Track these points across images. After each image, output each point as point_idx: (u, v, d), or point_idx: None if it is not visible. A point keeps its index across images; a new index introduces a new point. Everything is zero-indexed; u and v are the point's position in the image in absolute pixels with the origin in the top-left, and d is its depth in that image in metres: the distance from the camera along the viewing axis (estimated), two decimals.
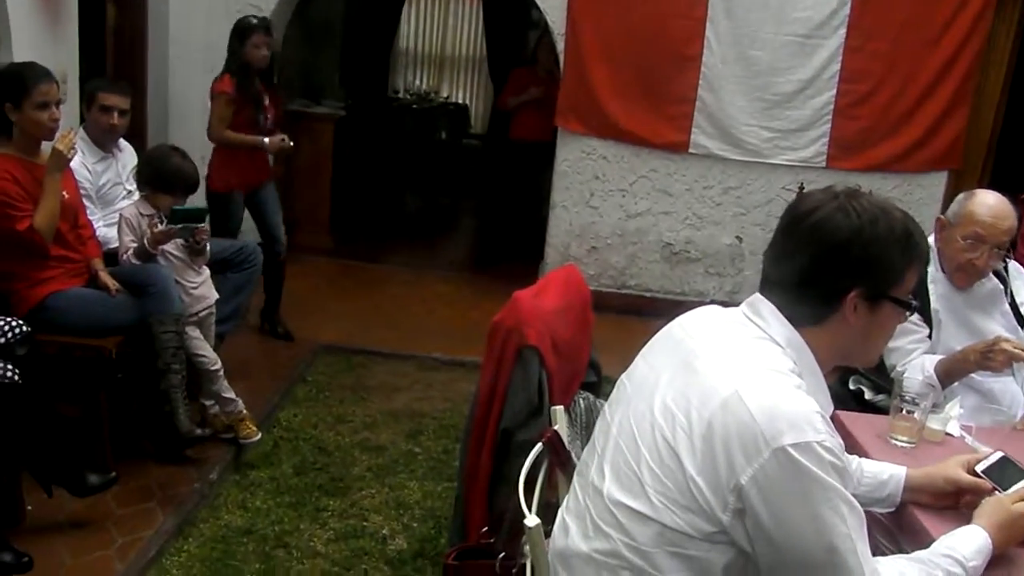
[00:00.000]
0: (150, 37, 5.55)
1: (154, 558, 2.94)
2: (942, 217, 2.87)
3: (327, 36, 8.01)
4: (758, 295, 1.60)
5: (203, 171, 4.17)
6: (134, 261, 3.48)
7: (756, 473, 1.37)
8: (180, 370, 3.38)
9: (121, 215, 3.57)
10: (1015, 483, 1.86)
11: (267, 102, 4.66)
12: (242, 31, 4.54)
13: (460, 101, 11.39)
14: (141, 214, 3.55)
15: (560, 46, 5.78)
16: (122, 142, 3.99)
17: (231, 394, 3.65)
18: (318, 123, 6.69)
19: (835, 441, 1.41)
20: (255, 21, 4.59)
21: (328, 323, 5.26)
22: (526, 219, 6.96)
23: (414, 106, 9.80)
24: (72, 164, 3.63)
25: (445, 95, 11.27)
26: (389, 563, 3.05)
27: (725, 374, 1.46)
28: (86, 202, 3.69)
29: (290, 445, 3.81)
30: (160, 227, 3.48)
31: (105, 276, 3.38)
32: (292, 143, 4.79)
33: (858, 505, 1.44)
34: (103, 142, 3.87)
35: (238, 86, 4.51)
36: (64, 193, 3.25)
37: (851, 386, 3.03)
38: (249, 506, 3.32)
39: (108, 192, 3.87)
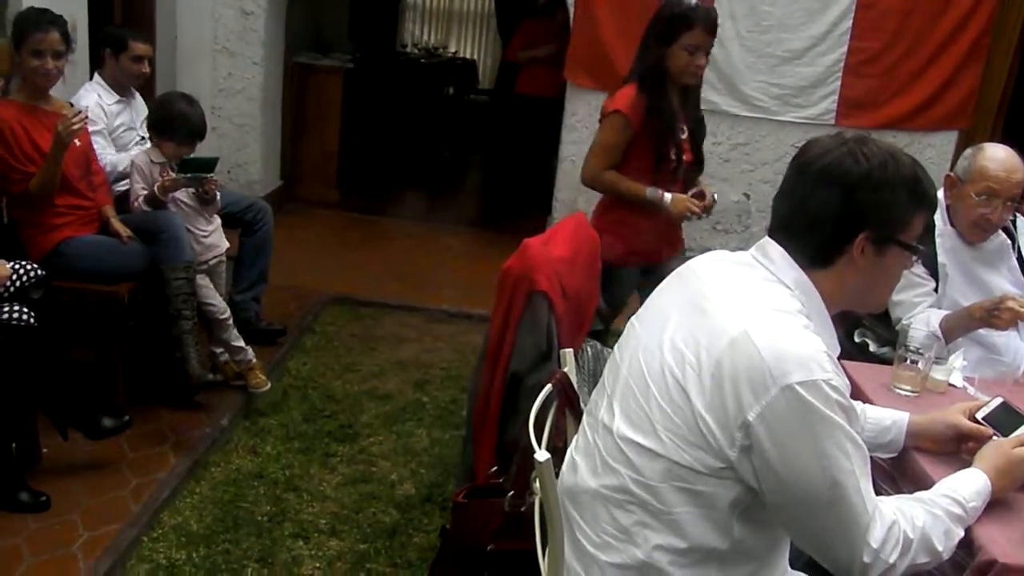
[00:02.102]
0: None
1: (167, 499, 3.00)
2: (952, 174, 2.86)
3: None
4: (767, 238, 1.63)
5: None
6: (144, 208, 3.50)
7: (764, 410, 1.40)
8: (191, 316, 3.42)
9: (133, 161, 3.58)
10: (1015, 429, 1.89)
11: (684, 135, 3.25)
12: (678, 21, 3.09)
13: (468, 56, 11.34)
14: (152, 161, 3.56)
15: (570, 0, 5.73)
16: (133, 90, 4.00)
17: (240, 342, 3.69)
18: (326, 75, 6.67)
19: (841, 380, 1.44)
20: (694, 6, 3.09)
21: (336, 275, 5.29)
22: (533, 174, 6.94)
23: (422, 61, 9.74)
24: (88, 103, 3.68)
25: (453, 50, 11.21)
26: (397, 507, 3.10)
27: (734, 314, 1.48)
28: (100, 140, 3.72)
29: (299, 393, 3.86)
30: (170, 175, 3.50)
31: (117, 223, 3.41)
32: (714, 199, 3.32)
33: (863, 444, 1.47)
34: (123, 87, 3.90)
35: (649, 108, 3.14)
36: (76, 141, 3.27)
37: (856, 339, 3.06)
38: (259, 451, 3.38)
39: (122, 136, 3.88)
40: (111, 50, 3.83)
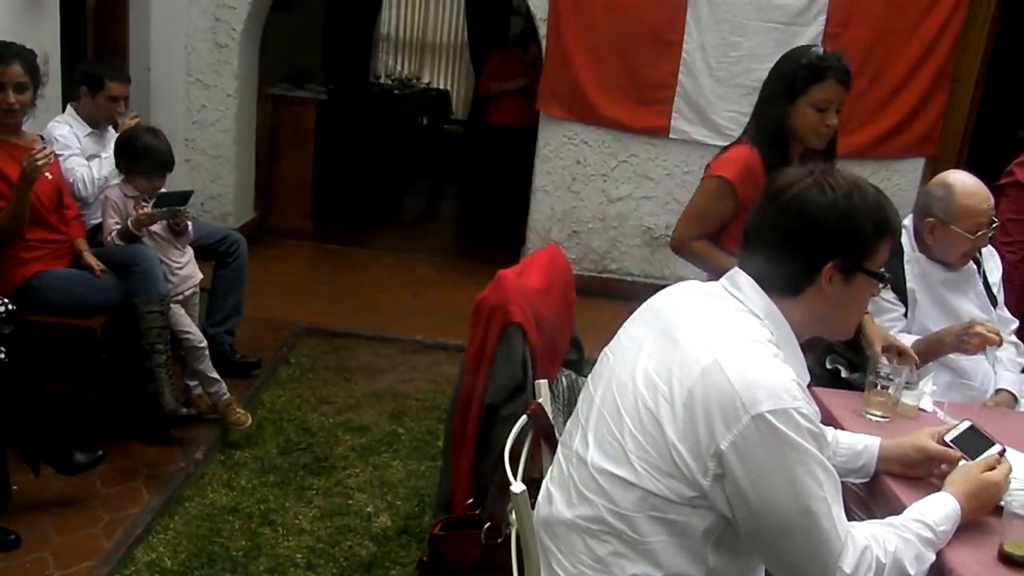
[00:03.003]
0: (131, 18, 5.52)
1: (141, 535, 2.96)
2: (932, 219, 2.81)
3: (309, 20, 8.00)
4: (737, 269, 1.66)
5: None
6: (118, 242, 3.49)
7: (735, 439, 1.42)
8: (165, 350, 3.40)
9: (106, 196, 3.58)
10: (982, 451, 1.92)
11: None
12: (805, 72, 2.66)
13: (441, 87, 11.40)
14: (126, 196, 3.55)
15: (542, 31, 5.80)
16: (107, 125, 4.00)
17: (215, 374, 3.66)
18: (300, 107, 6.69)
19: (811, 408, 1.47)
20: (824, 55, 2.70)
21: (310, 306, 5.28)
22: (507, 204, 6.98)
23: (395, 91, 9.78)
24: (62, 132, 3.67)
25: (426, 80, 11.27)
26: (374, 539, 3.08)
27: (705, 344, 1.51)
28: (77, 159, 3.72)
29: (274, 426, 3.84)
30: (145, 209, 3.49)
31: (89, 256, 3.40)
32: None
33: (834, 471, 1.50)
34: (96, 123, 3.89)
35: (765, 177, 2.57)
36: (48, 175, 3.26)
37: (828, 365, 3.08)
38: (234, 485, 3.35)
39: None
40: (87, 88, 3.83)
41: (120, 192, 3.57)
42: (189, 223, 3.65)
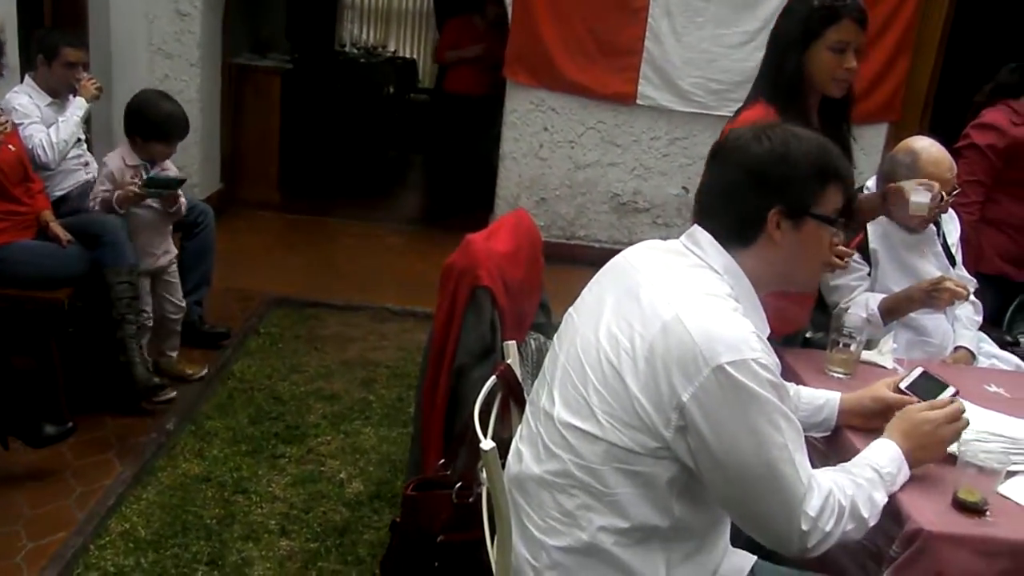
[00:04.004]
0: None
1: (113, 506, 2.97)
2: (894, 185, 2.75)
3: None
4: (696, 226, 1.69)
5: None
6: (97, 209, 3.47)
7: (696, 391, 1.46)
8: (135, 320, 3.39)
9: (105, 164, 3.54)
10: (936, 395, 1.99)
11: None
12: (819, 14, 2.45)
13: (408, 55, 11.30)
14: (125, 165, 3.53)
15: None
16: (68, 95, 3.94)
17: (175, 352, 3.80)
18: (265, 76, 6.61)
19: (771, 359, 1.50)
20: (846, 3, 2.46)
21: (279, 276, 5.26)
22: (473, 172, 6.95)
23: (361, 60, 9.69)
24: (21, 101, 3.63)
25: (392, 49, 11.17)
26: (347, 505, 3.11)
27: (665, 299, 1.54)
28: (37, 126, 3.67)
29: (245, 396, 3.84)
30: (135, 188, 3.45)
31: (56, 227, 3.37)
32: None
33: (795, 419, 1.54)
34: (56, 92, 3.84)
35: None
36: (10, 146, 3.22)
37: None
38: (207, 455, 3.36)
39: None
40: (43, 56, 3.77)
41: (120, 162, 3.53)
42: (182, 202, 3.66)
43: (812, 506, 1.53)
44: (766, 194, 1.61)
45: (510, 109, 6.01)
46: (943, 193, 2.67)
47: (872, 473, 1.69)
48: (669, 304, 1.53)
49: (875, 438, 1.98)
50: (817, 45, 2.45)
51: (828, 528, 1.55)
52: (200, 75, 5.92)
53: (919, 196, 2.54)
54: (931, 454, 1.83)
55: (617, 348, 1.54)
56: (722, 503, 1.58)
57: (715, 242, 1.65)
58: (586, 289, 1.78)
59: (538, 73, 5.86)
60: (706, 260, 1.64)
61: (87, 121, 4.03)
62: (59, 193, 3.73)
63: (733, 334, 1.48)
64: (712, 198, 1.68)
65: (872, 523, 1.64)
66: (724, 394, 1.46)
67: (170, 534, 2.87)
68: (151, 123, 3.52)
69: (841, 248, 2.40)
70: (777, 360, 1.54)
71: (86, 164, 3.98)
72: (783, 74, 2.50)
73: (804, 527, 1.52)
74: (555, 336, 1.79)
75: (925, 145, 2.86)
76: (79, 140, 3.87)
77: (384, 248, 6.18)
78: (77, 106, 3.84)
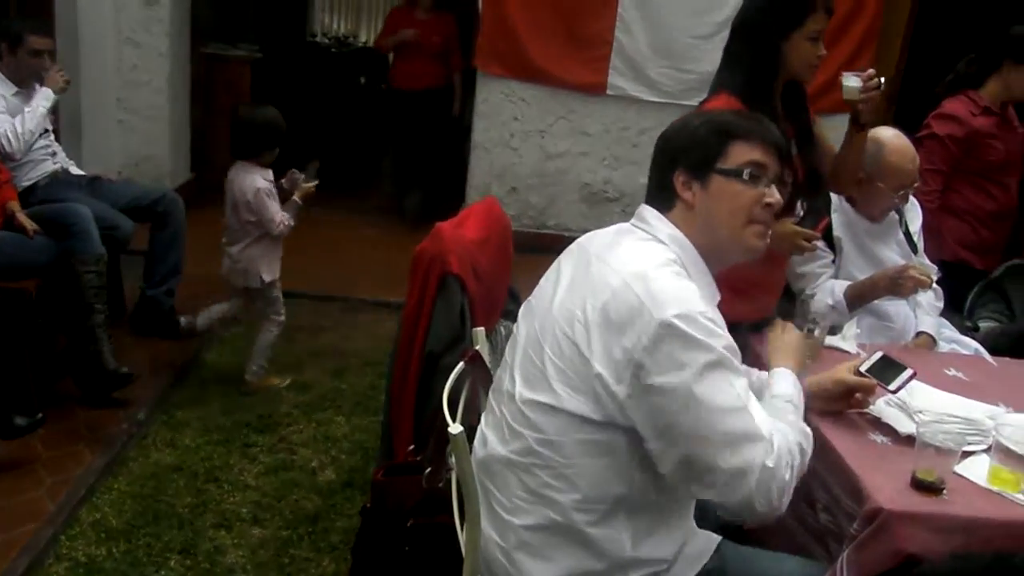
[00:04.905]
0: None
1: (85, 496, 2.96)
2: (860, 173, 2.87)
3: None
4: (643, 204, 1.79)
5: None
6: (290, 224, 3.68)
7: (647, 346, 1.50)
8: (103, 309, 3.39)
9: (257, 189, 3.57)
10: (895, 377, 2.04)
11: (794, 151, 2.49)
12: (799, 4, 2.49)
13: None
14: (267, 180, 3.63)
15: None
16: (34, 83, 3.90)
17: None
18: (235, 66, 6.60)
19: (717, 315, 1.57)
20: None
21: None
22: (438, 167, 6.76)
23: (332, 50, 9.65)
24: None
25: (364, 40, 11.13)
26: (319, 493, 3.13)
27: (613, 269, 1.61)
28: (3, 113, 3.64)
29: (217, 386, 3.84)
30: (310, 183, 3.69)
31: (22, 217, 3.35)
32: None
33: (742, 372, 1.60)
34: (22, 81, 3.80)
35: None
36: None
37: None
38: (178, 444, 3.36)
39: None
40: (7, 44, 3.73)
41: (262, 181, 3.60)
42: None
43: (771, 459, 1.55)
44: (671, 159, 1.74)
45: (481, 99, 6.02)
46: (880, 79, 2.62)
47: (787, 405, 1.76)
48: (616, 272, 1.59)
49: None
50: (796, 35, 2.50)
51: (787, 478, 1.57)
52: (169, 65, 5.87)
53: (850, 80, 2.59)
54: (802, 362, 2.00)
55: (571, 319, 1.60)
56: (679, 467, 1.56)
57: (659, 215, 1.73)
58: (544, 277, 1.84)
59: (509, 63, 5.88)
60: (652, 233, 1.71)
61: (54, 111, 4.00)
62: (26, 183, 3.70)
63: (678, 291, 1.55)
64: (649, 178, 1.81)
65: (810, 453, 1.68)
66: (674, 347, 1.50)
67: (142, 523, 2.87)
68: (275, 133, 3.64)
69: (807, 231, 2.49)
70: (722, 319, 1.59)
71: (54, 154, 3.95)
72: (760, 64, 2.52)
73: (770, 463, 1.54)
74: (515, 324, 1.83)
75: (890, 136, 2.94)
76: (46, 131, 3.84)
77: (357, 238, 6.18)
78: (44, 97, 3.80)
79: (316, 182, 3.72)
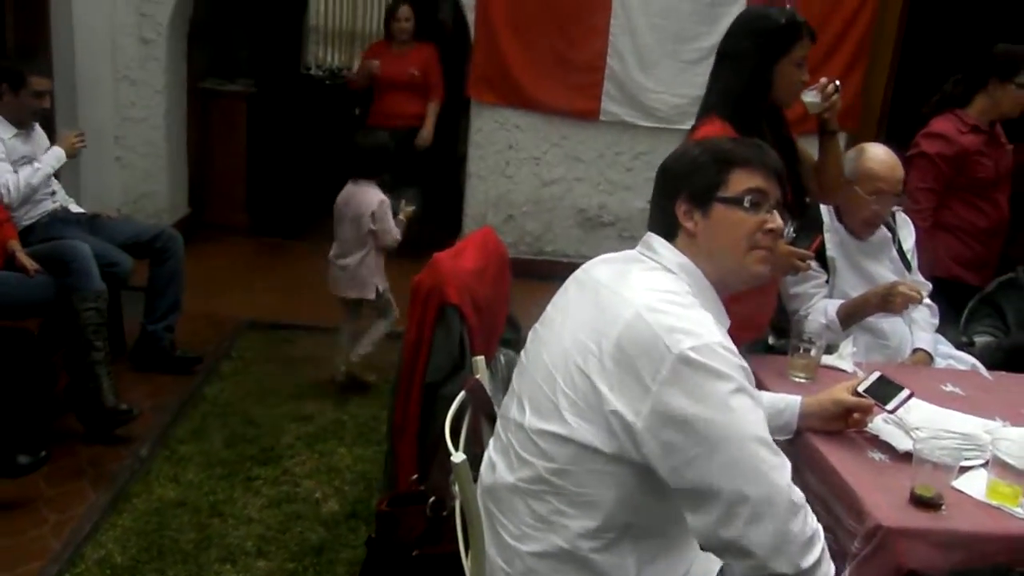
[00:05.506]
0: (52, 14, 5.41)
1: (89, 534, 2.97)
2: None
3: (237, 12, 7.90)
4: (649, 232, 1.79)
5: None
6: (399, 238, 4.09)
7: (663, 380, 1.48)
8: (103, 346, 3.40)
9: (383, 203, 4.04)
10: (893, 397, 2.06)
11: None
12: (787, 32, 2.60)
13: None
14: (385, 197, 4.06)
15: (471, 18, 5.84)
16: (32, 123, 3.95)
17: None
18: (230, 100, 6.63)
19: (731, 345, 1.55)
20: (792, 11, 2.68)
21: (250, 300, 5.27)
22: (439, 194, 6.66)
23: (327, 82, 9.71)
24: None
25: None
26: (323, 524, 3.13)
27: (625, 301, 1.60)
28: (3, 161, 3.67)
29: (219, 420, 3.85)
30: (407, 207, 4.17)
31: (23, 257, 3.38)
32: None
33: (761, 401, 1.57)
34: (21, 122, 3.84)
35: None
36: None
37: None
38: (181, 479, 3.36)
39: (22, 169, 3.82)
40: (8, 85, 3.78)
41: (383, 196, 4.05)
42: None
43: (796, 494, 1.50)
44: (672, 189, 1.76)
45: (475, 128, 6.07)
46: (835, 83, 2.74)
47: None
48: (629, 304, 1.58)
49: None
50: (784, 61, 2.61)
51: (812, 525, 1.52)
52: (166, 101, 5.93)
53: (808, 96, 2.69)
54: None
55: (584, 352, 1.59)
56: (691, 505, 1.52)
57: (667, 244, 1.74)
58: (550, 304, 1.84)
59: (502, 92, 5.93)
60: (660, 262, 1.72)
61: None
62: (27, 222, 3.73)
63: (692, 322, 1.54)
64: (651, 207, 1.83)
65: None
66: (690, 379, 1.48)
67: (147, 559, 2.88)
68: (392, 155, 4.17)
69: (801, 251, 2.53)
70: (735, 348, 1.57)
71: (53, 193, 4.01)
72: (751, 90, 2.61)
73: (795, 499, 1.49)
74: (522, 351, 1.84)
75: (873, 145, 3.05)
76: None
77: None
78: (55, 157, 3.88)
79: (415, 207, 4.20)
